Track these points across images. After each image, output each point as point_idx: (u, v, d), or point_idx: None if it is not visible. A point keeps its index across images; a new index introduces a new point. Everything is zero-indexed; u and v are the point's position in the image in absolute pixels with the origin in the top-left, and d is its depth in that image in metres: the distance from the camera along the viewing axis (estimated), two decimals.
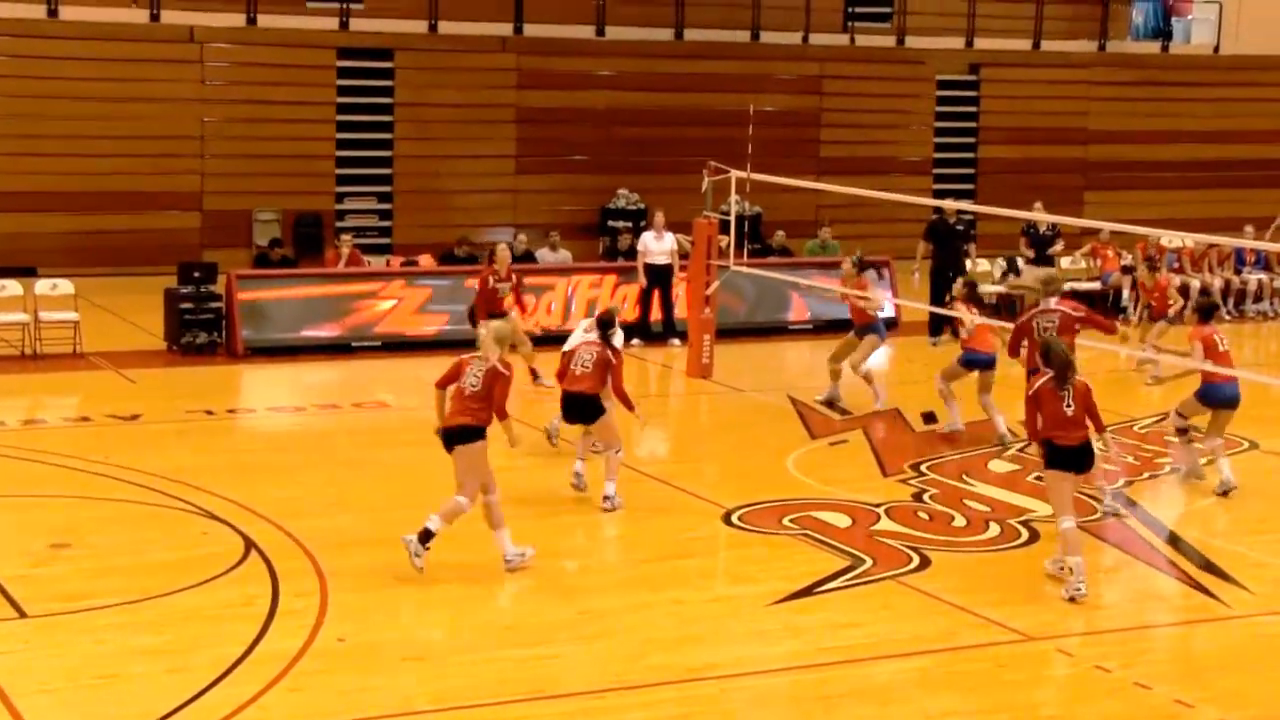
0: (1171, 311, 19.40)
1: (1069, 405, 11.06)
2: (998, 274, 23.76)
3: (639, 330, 20.58)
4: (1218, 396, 13.82)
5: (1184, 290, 22.21)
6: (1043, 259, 21.63)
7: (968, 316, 15.72)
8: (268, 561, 11.19)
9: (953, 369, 15.92)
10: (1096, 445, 11.51)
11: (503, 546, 11.13)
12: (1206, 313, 14.35)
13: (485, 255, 19.13)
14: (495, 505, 11.08)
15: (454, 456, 11.06)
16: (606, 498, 12.76)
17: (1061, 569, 11.08)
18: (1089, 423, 11.19)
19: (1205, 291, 22.85)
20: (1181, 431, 14.23)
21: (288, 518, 12.16)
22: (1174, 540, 12.48)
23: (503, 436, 11.25)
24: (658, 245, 20.67)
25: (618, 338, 13.52)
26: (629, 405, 13.00)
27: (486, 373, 11.07)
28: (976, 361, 15.70)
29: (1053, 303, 14.29)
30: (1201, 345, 13.83)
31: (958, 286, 16.54)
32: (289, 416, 16.72)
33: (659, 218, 20.88)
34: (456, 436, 11.01)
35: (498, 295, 17.18)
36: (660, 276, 20.67)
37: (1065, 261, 24.58)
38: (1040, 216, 20.63)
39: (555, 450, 14.40)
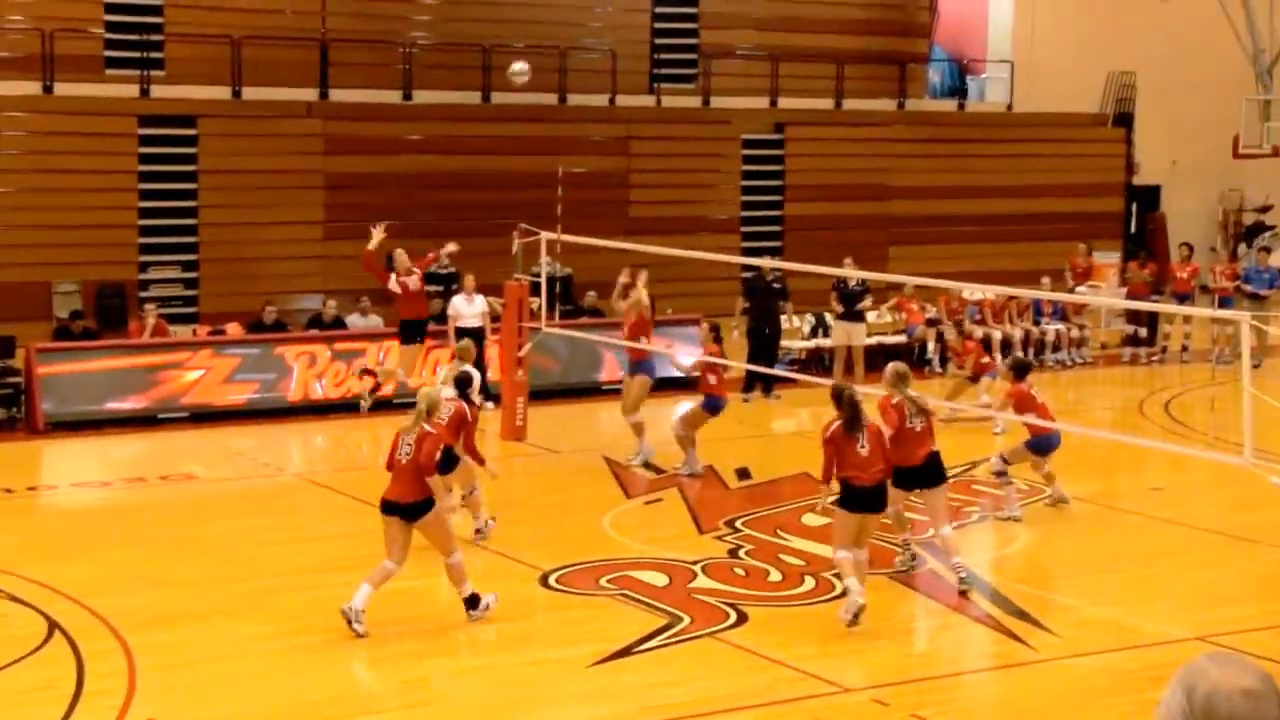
0: (975, 369, 19.85)
1: (863, 446, 11.47)
2: (806, 330, 24.12)
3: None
4: (1047, 445, 14.69)
5: (986, 343, 22.80)
6: (851, 314, 22.01)
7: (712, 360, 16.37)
8: (72, 642, 10.87)
9: (696, 415, 16.55)
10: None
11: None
12: (1021, 371, 14.92)
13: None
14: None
15: (417, 528, 11.36)
16: (478, 530, 13.65)
17: (849, 614, 11.33)
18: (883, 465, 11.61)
19: (1006, 344, 23.52)
20: (1000, 474, 14.66)
21: (93, 596, 11.84)
22: (983, 587, 12.73)
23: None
24: (469, 308, 20.62)
25: (477, 397, 14.33)
26: (479, 460, 13.38)
27: (416, 439, 11.31)
28: (717, 407, 16.44)
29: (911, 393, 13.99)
30: (1015, 402, 14.44)
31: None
32: (94, 492, 16.32)
33: (469, 281, 20.85)
34: (406, 511, 11.29)
35: (419, 295, 17.11)
36: (472, 340, 20.57)
37: (871, 316, 25.06)
38: (848, 272, 21.02)
39: (368, 514, 14.21)
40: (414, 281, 17.83)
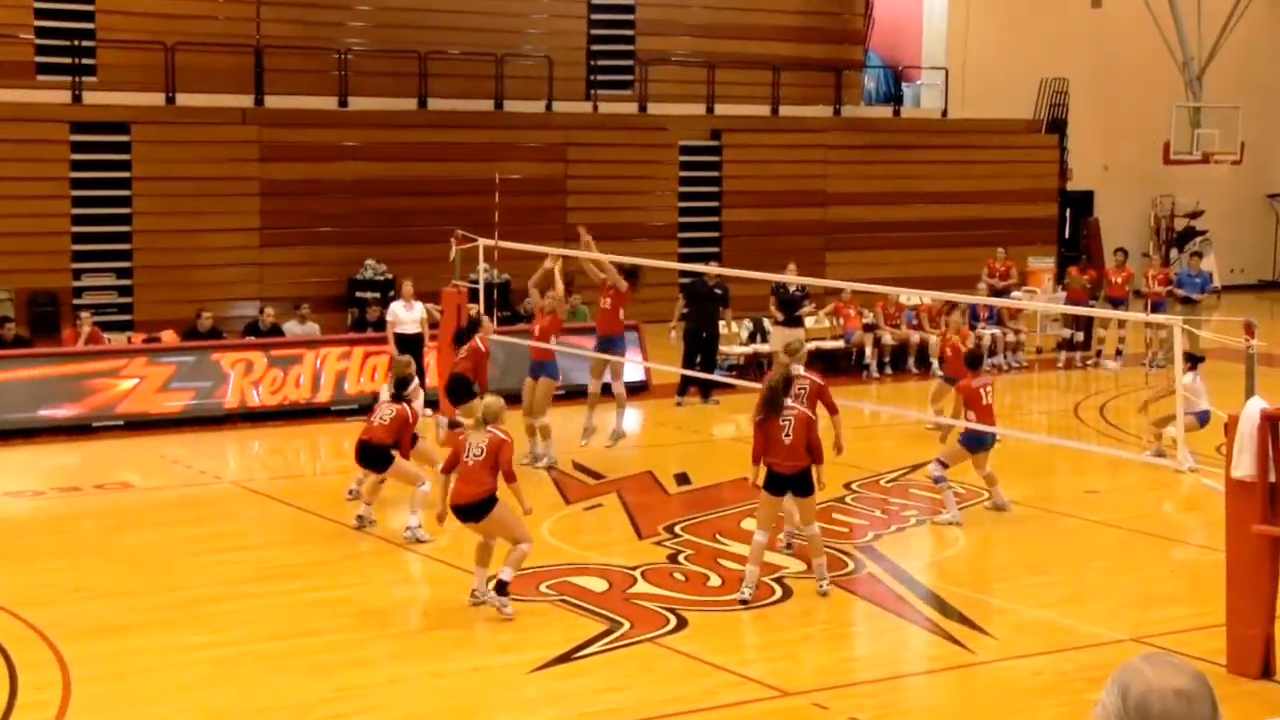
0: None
1: (788, 435, 11.96)
2: (744, 335, 24.15)
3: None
4: (982, 443, 14.72)
5: (924, 346, 22.87)
6: (791, 320, 22.03)
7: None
8: (4, 653, 10.73)
9: (958, 452, 15.34)
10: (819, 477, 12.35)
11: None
12: (974, 362, 15.02)
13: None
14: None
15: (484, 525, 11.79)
16: (409, 528, 13.70)
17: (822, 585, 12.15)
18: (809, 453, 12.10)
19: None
20: (938, 480, 14.68)
21: (27, 606, 11.70)
22: (921, 591, 12.79)
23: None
24: (407, 314, 20.53)
25: (418, 401, 14.96)
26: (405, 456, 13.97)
27: (489, 443, 11.78)
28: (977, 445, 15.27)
29: (799, 370, 14.36)
30: (965, 397, 14.45)
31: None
32: (27, 501, 16.11)
33: (407, 287, 20.76)
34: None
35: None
36: (411, 346, 20.50)
37: (810, 321, 25.12)
38: (790, 278, 21.04)
39: (304, 522, 14.13)
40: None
